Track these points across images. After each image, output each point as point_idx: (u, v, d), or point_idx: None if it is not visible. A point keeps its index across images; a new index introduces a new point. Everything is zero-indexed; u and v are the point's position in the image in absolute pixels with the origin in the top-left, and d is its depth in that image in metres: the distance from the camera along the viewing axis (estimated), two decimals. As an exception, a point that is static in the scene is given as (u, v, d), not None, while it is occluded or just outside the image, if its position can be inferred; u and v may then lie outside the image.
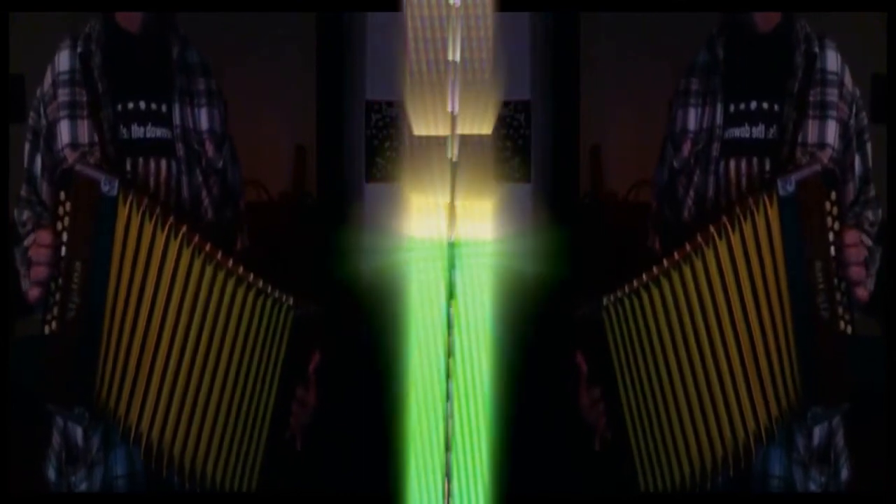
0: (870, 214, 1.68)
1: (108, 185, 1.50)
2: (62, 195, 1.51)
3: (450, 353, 1.85)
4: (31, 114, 1.66)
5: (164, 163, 1.62)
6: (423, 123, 1.96)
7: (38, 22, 3.05)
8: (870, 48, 2.70)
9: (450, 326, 1.84)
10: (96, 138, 1.60)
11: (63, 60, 1.64)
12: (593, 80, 3.57)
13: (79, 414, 1.52)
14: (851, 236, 1.54)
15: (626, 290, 1.56)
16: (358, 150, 3.31)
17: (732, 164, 1.64)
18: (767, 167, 1.62)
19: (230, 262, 1.53)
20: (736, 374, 1.54)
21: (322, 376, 1.64)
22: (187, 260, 1.51)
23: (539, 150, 3.29)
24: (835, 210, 1.53)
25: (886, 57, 2.56)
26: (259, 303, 1.55)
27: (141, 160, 1.61)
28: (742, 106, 1.64)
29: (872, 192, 1.70)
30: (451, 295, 1.85)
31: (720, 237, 1.53)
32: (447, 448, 1.86)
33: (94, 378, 1.50)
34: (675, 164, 1.69)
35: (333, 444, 2.48)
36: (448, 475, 1.87)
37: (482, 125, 1.99)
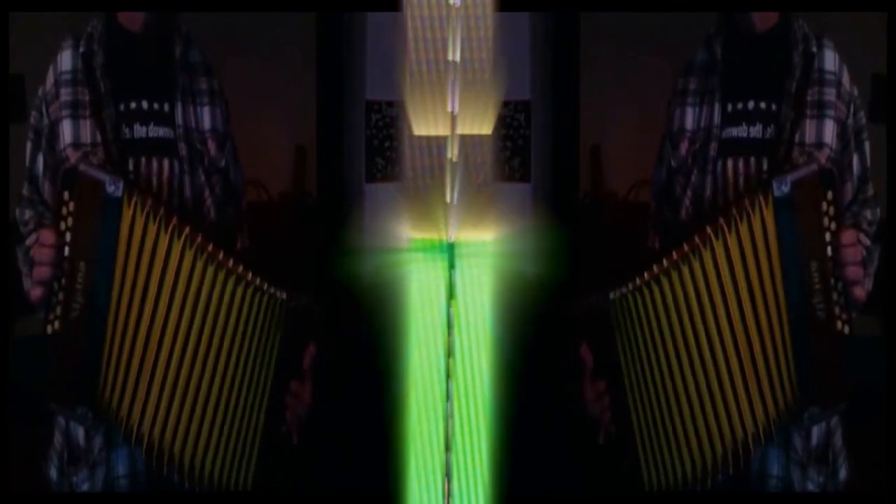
0: (868, 214, 1.68)
1: (113, 186, 1.50)
2: (65, 195, 1.51)
3: (450, 353, 1.85)
4: (33, 113, 1.66)
5: (166, 162, 1.62)
6: (423, 123, 1.96)
7: (38, 22, 3.04)
8: (869, 48, 2.70)
9: (450, 326, 1.85)
10: (99, 138, 1.60)
11: (65, 60, 1.64)
12: (593, 80, 3.56)
13: (82, 414, 1.52)
14: (848, 236, 1.54)
15: (630, 287, 1.56)
16: (358, 150, 3.31)
17: (730, 163, 1.64)
18: (765, 167, 1.62)
19: (230, 262, 1.53)
20: (734, 374, 1.54)
21: (318, 370, 1.64)
22: (190, 261, 1.51)
23: (539, 150, 3.28)
24: (831, 210, 1.53)
25: (886, 57, 2.56)
26: (256, 299, 1.55)
27: (143, 160, 1.61)
28: (740, 105, 1.64)
29: (871, 192, 1.70)
30: (451, 295, 1.85)
31: (717, 238, 1.53)
32: (447, 448, 1.86)
33: (97, 378, 1.50)
34: (673, 163, 1.69)
35: (333, 443, 2.48)
36: (448, 475, 1.87)
37: (482, 125, 1.99)
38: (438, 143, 1.91)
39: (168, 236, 1.50)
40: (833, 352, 1.53)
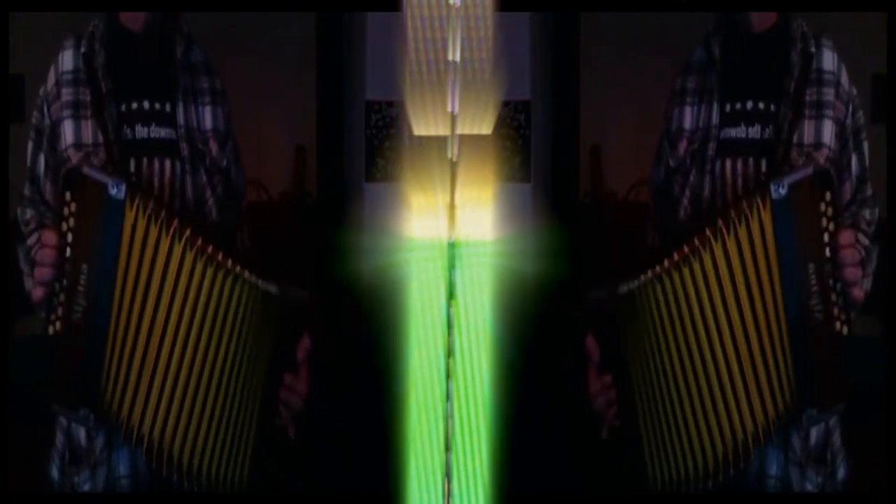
0: (866, 213, 1.68)
1: (116, 189, 1.50)
2: (67, 195, 1.51)
3: (450, 353, 1.85)
4: (35, 113, 1.66)
5: (168, 163, 1.62)
6: (423, 123, 1.96)
7: (39, 22, 3.05)
8: (869, 48, 2.70)
9: (450, 326, 1.84)
10: (100, 138, 1.60)
11: (67, 60, 1.64)
12: (593, 80, 3.57)
13: (83, 415, 1.52)
14: (846, 237, 1.54)
15: (633, 283, 1.56)
16: (358, 150, 3.32)
17: (728, 164, 1.64)
18: (763, 167, 1.62)
19: (229, 263, 1.53)
20: (733, 375, 1.54)
21: (314, 365, 1.64)
22: (191, 263, 1.51)
23: (539, 150, 3.29)
24: (830, 211, 1.53)
25: (886, 57, 2.56)
26: (252, 294, 1.55)
27: (145, 160, 1.61)
28: (738, 106, 1.64)
29: (869, 192, 1.70)
30: (451, 295, 1.85)
31: (715, 240, 1.53)
32: (447, 448, 1.86)
33: (99, 380, 1.50)
34: (672, 162, 1.69)
35: (333, 443, 2.49)
36: (448, 475, 1.87)
37: (482, 125, 1.99)
38: (438, 143, 1.91)
39: (169, 239, 1.51)
40: (831, 352, 1.54)
